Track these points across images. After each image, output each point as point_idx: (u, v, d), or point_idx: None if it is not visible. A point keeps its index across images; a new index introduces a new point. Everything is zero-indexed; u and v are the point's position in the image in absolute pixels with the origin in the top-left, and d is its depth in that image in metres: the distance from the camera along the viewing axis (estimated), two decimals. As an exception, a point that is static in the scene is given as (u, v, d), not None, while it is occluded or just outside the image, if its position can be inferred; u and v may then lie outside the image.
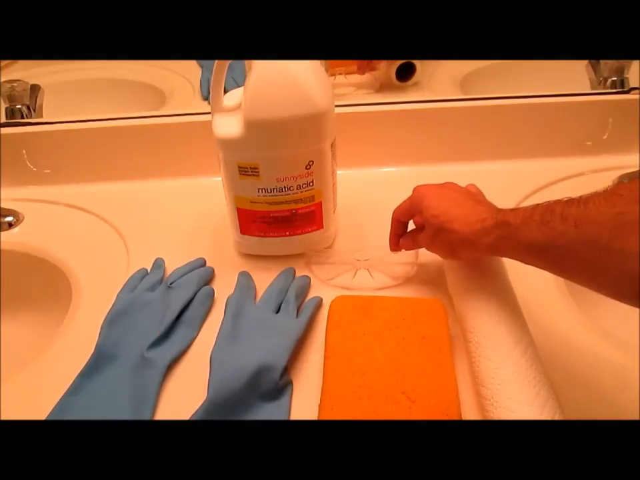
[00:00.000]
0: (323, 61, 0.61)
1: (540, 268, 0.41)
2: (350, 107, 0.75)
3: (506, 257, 0.44)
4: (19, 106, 0.77)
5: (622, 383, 0.46)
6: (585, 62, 0.79)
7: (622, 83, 0.77)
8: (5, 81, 0.77)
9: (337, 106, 0.54)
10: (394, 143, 0.76)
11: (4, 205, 0.71)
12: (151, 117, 0.75)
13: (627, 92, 0.76)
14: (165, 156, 0.76)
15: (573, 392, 0.44)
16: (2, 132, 0.73)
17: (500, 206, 0.47)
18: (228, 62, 0.50)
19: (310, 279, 0.58)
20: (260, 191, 0.55)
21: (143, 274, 0.60)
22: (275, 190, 0.54)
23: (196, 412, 0.43)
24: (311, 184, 0.55)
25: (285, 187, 0.54)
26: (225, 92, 0.53)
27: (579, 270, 0.38)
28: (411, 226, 0.56)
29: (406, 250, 0.56)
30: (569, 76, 0.80)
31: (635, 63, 0.76)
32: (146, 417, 0.45)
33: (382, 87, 0.86)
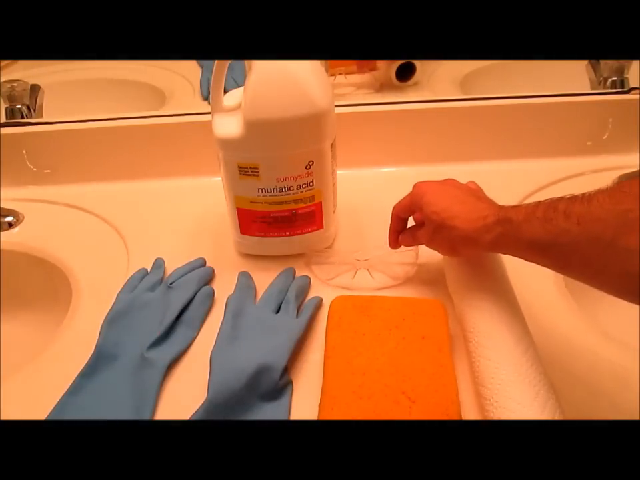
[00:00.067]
0: (323, 61, 0.61)
1: (542, 265, 0.41)
2: (350, 106, 0.75)
3: (507, 254, 0.44)
4: (19, 106, 0.77)
5: (622, 383, 0.46)
6: (585, 62, 0.79)
7: (622, 83, 0.77)
8: (5, 81, 0.77)
9: (336, 106, 0.54)
10: (394, 143, 0.76)
11: (4, 205, 0.71)
12: (150, 117, 0.75)
13: (627, 92, 0.76)
14: (165, 156, 0.76)
15: (573, 392, 0.44)
16: (2, 132, 0.73)
17: (500, 205, 0.47)
18: (228, 62, 0.50)
19: (310, 279, 0.58)
20: (260, 190, 0.55)
21: (143, 274, 0.60)
22: (274, 190, 0.54)
23: (196, 412, 0.43)
24: (311, 184, 0.55)
25: (284, 187, 0.54)
26: (225, 92, 0.53)
27: (582, 268, 0.37)
28: (411, 222, 0.56)
29: (405, 246, 0.56)
30: (569, 76, 0.80)
31: (635, 63, 0.76)
32: (146, 417, 0.45)
33: (382, 87, 0.86)
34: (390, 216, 0.56)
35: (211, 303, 0.57)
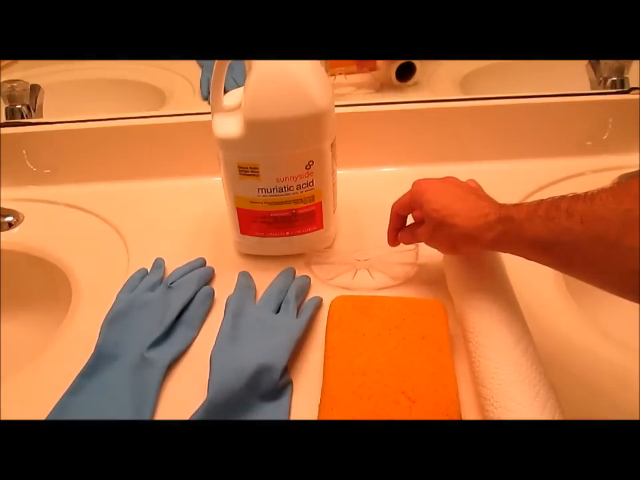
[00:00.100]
0: (323, 61, 0.61)
1: (543, 264, 0.41)
2: (350, 107, 0.75)
3: (508, 252, 0.44)
4: (19, 106, 0.77)
5: (622, 382, 0.46)
6: (585, 62, 0.79)
7: (622, 83, 0.77)
8: (5, 81, 0.77)
9: (336, 106, 0.54)
10: (394, 143, 0.76)
11: (4, 205, 0.71)
12: (150, 117, 0.75)
13: (627, 92, 0.76)
14: (165, 156, 0.76)
15: (573, 392, 0.44)
16: (2, 132, 0.73)
17: (500, 205, 0.47)
18: (228, 62, 0.50)
19: (310, 279, 0.58)
20: (260, 190, 0.55)
21: (143, 274, 0.60)
22: (274, 190, 0.54)
23: (196, 412, 0.43)
24: (311, 184, 0.55)
25: (284, 187, 0.54)
26: (225, 92, 0.53)
27: (585, 267, 0.37)
28: (410, 220, 0.56)
29: (404, 244, 0.56)
30: (569, 76, 0.80)
31: (635, 63, 0.76)
32: (146, 417, 0.45)
33: (382, 87, 0.86)
34: (389, 214, 0.56)
35: (211, 303, 0.57)
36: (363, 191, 0.72)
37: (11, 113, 0.78)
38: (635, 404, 0.44)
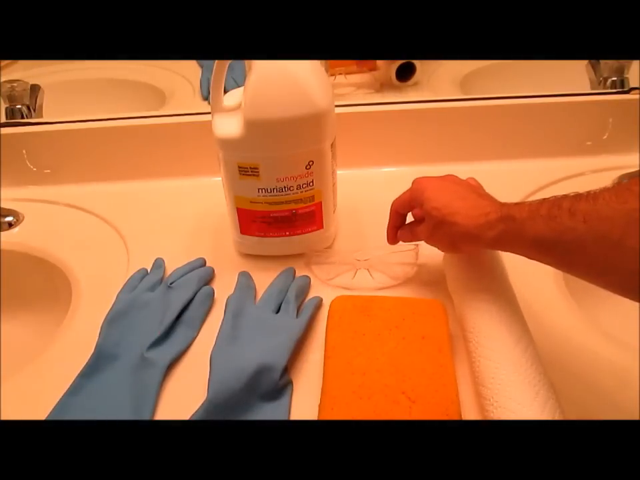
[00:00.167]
0: (323, 61, 0.61)
1: (545, 263, 0.41)
2: (350, 107, 0.75)
3: (509, 251, 0.44)
4: (19, 106, 0.77)
5: (622, 382, 0.46)
6: (585, 62, 0.79)
7: (622, 83, 0.77)
8: (5, 81, 0.77)
9: (337, 106, 0.54)
10: (394, 143, 0.76)
11: (4, 205, 0.71)
12: (150, 117, 0.75)
13: (627, 92, 0.76)
14: (165, 156, 0.76)
15: (572, 392, 0.44)
16: (2, 132, 0.73)
17: (500, 205, 0.46)
18: (228, 62, 0.50)
19: (310, 279, 0.58)
20: (260, 190, 0.55)
21: (143, 274, 0.60)
22: (274, 190, 0.55)
23: (196, 412, 0.43)
24: (311, 184, 0.55)
25: (285, 187, 0.54)
26: (225, 92, 0.53)
27: (587, 266, 0.37)
28: (409, 218, 0.56)
29: (404, 242, 0.56)
30: (569, 76, 0.80)
31: (635, 63, 0.76)
32: (146, 417, 0.45)
33: (382, 87, 0.86)
34: (389, 212, 0.56)
35: (211, 303, 0.57)
36: (363, 191, 0.72)
37: (10, 112, 0.78)
38: (634, 403, 0.44)
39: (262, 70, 0.49)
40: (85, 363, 0.49)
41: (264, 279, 0.58)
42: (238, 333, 0.51)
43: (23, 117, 0.78)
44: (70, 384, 0.48)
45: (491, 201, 0.46)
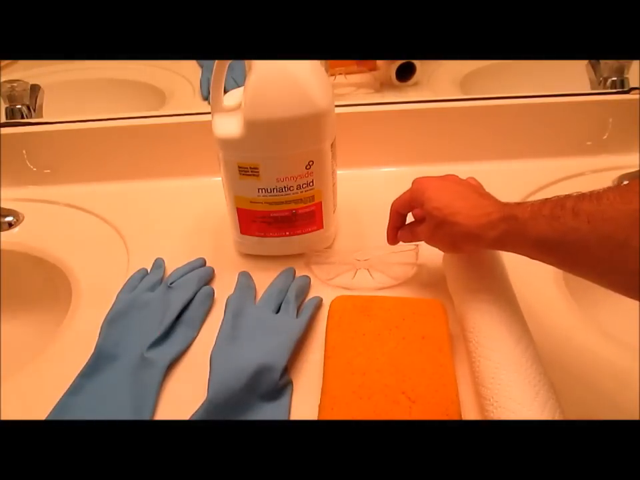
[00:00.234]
0: (323, 61, 0.61)
1: (547, 263, 0.41)
2: (350, 106, 0.75)
3: (511, 251, 0.44)
4: (19, 106, 0.77)
5: (622, 382, 0.46)
6: (585, 62, 0.79)
7: (622, 83, 0.77)
8: (5, 81, 0.77)
9: (337, 106, 0.54)
10: (394, 143, 0.76)
11: (4, 205, 0.71)
12: (150, 117, 0.75)
13: (627, 92, 0.76)
14: (165, 156, 0.76)
15: (573, 392, 0.44)
16: (2, 132, 0.73)
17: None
18: (228, 62, 0.50)
19: (310, 279, 0.58)
20: (260, 190, 0.55)
21: (143, 274, 0.60)
22: (274, 190, 0.55)
23: (196, 412, 0.43)
24: (311, 184, 0.55)
25: (285, 187, 0.54)
26: (225, 92, 0.53)
27: (591, 266, 0.37)
28: (410, 218, 0.56)
29: (404, 242, 0.56)
30: (569, 76, 0.80)
31: (635, 62, 0.76)
32: (146, 417, 0.45)
33: (382, 87, 0.86)
34: (389, 212, 0.55)
35: (211, 303, 0.57)
36: (363, 191, 0.72)
37: (10, 112, 0.78)
38: (635, 404, 0.44)
39: (262, 70, 0.49)
40: (85, 363, 0.49)
41: (264, 279, 0.58)
42: (238, 333, 0.51)
43: (23, 117, 0.78)
44: (70, 384, 0.48)
45: (492, 201, 0.46)
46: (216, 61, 0.50)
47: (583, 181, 0.73)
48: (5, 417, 0.46)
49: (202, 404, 0.44)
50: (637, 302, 0.35)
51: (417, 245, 0.58)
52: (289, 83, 0.49)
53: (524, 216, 0.40)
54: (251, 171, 0.53)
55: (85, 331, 0.54)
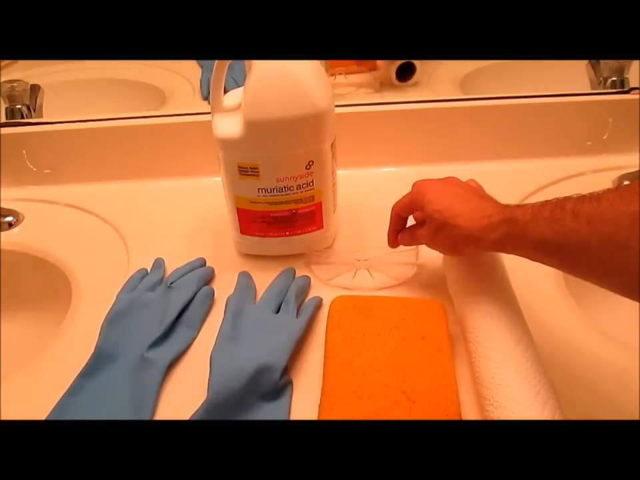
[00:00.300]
0: (323, 61, 0.61)
1: (548, 265, 0.41)
2: (350, 107, 0.75)
3: (512, 253, 0.44)
4: (19, 106, 0.77)
5: (622, 383, 0.46)
6: (585, 62, 0.79)
7: (622, 83, 0.77)
8: (5, 81, 0.77)
9: (337, 106, 0.54)
10: (394, 143, 0.76)
11: (4, 205, 0.71)
12: (150, 117, 0.75)
13: (627, 92, 0.76)
14: (165, 156, 0.76)
15: (573, 392, 0.44)
16: (2, 132, 0.73)
17: (500, 205, 0.46)
18: (228, 62, 0.50)
19: (310, 279, 0.58)
20: (260, 190, 0.55)
21: (143, 274, 0.60)
22: (274, 190, 0.54)
23: (196, 412, 0.43)
24: (311, 184, 0.55)
25: (285, 187, 0.54)
26: (225, 92, 0.53)
27: (591, 268, 0.37)
28: (411, 221, 0.56)
29: (404, 246, 0.56)
30: (569, 76, 0.80)
31: (635, 62, 0.76)
32: (146, 417, 0.45)
33: (382, 87, 0.86)
34: (390, 215, 0.56)
35: (211, 303, 0.57)
36: (363, 191, 0.72)
37: (10, 112, 0.78)
38: (635, 404, 0.44)
39: (262, 70, 0.49)
40: (85, 363, 0.49)
41: (264, 278, 0.58)
42: (238, 333, 0.51)
43: (23, 117, 0.78)
44: (70, 384, 0.48)
45: (492, 203, 0.46)
46: (216, 61, 0.50)
47: (583, 180, 0.73)
48: (5, 417, 0.46)
49: (202, 404, 0.44)
50: (637, 302, 0.35)
51: (417, 245, 0.58)
52: (288, 83, 0.49)
53: (524, 218, 0.41)
54: (251, 171, 0.53)
55: (85, 330, 0.54)
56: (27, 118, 0.78)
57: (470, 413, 0.44)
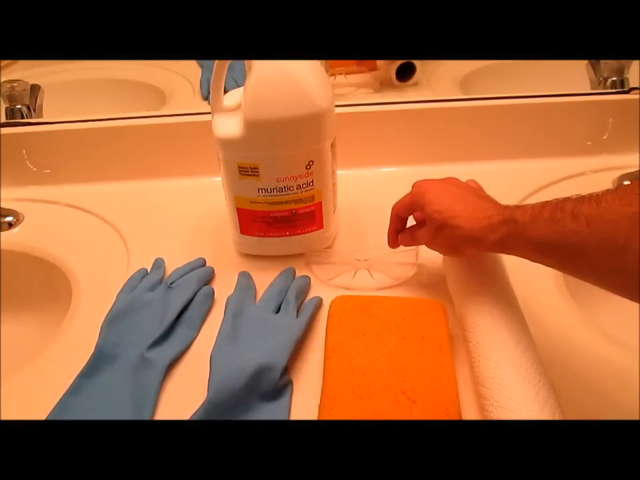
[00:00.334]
0: (323, 61, 0.61)
1: (547, 266, 0.41)
2: (350, 107, 0.75)
3: (512, 254, 0.44)
4: (19, 106, 0.77)
5: (622, 383, 0.46)
6: (585, 62, 0.79)
7: (622, 83, 0.77)
8: (5, 81, 0.77)
9: (337, 106, 0.54)
10: (394, 143, 0.76)
11: (4, 205, 0.71)
12: (150, 117, 0.75)
13: (627, 92, 0.76)
14: (165, 156, 0.76)
15: (573, 392, 0.44)
16: (2, 132, 0.73)
17: (500, 206, 0.46)
18: (228, 62, 0.50)
19: (310, 279, 0.58)
20: (260, 190, 0.55)
21: (143, 274, 0.60)
22: (274, 190, 0.55)
23: (196, 412, 0.43)
24: (311, 184, 0.55)
25: (285, 187, 0.54)
26: (225, 92, 0.53)
27: (591, 269, 0.37)
28: (411, 221, 0.56)
29: (404, 246, 0.56)
30: (569, 76, 0.80)
31: (635, 62, 0.76)
32: (146, 417, 0.45)
33: (382, 87, 0.86)
34: (390, 215, 0.55)
35: (211, 303, 0.57)
36: (363, 191, 0.72)
37: (10, 112, 0.78)
38: (635, 404, 0.44)
39: (262, 70, 0.49)
40: (85, 363, 0.49)
41: (264, 278, 0.58)
42: (238, 333, 0.51)
43: (23, 117, 0.78)
44: (70, 384, 0.48)
45: (492, 204, 0.46)
46: (216, 61, 0.50)
47: (583, 181, 0.73)
48: (5, 417, 0.46)
49: (202, 404, 0.44)
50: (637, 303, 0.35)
51: (417, 245, 0.58)
52: (288, 83, 0.49)
53: (524, 219, 0.41)
54: (251, 171, 0.53)
55: (85, 331, 0.54)
56: (27, 118, 0.78)
57: (470, 413, 0.44)
